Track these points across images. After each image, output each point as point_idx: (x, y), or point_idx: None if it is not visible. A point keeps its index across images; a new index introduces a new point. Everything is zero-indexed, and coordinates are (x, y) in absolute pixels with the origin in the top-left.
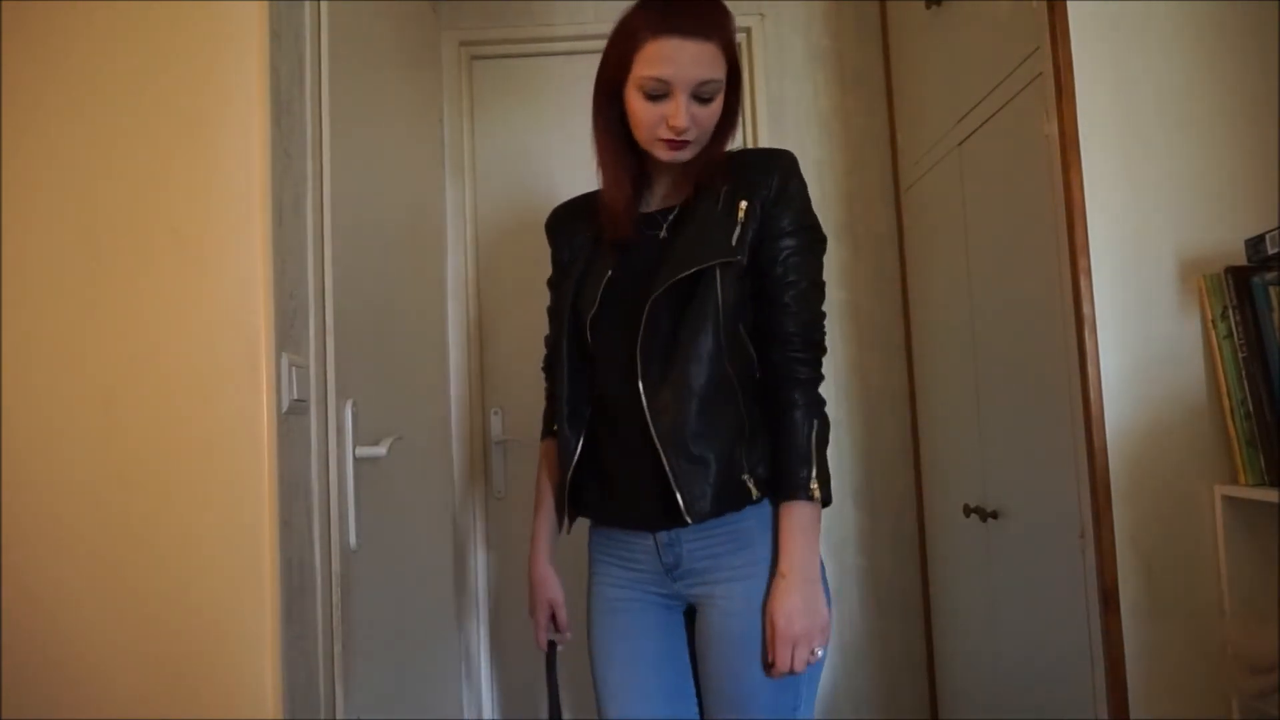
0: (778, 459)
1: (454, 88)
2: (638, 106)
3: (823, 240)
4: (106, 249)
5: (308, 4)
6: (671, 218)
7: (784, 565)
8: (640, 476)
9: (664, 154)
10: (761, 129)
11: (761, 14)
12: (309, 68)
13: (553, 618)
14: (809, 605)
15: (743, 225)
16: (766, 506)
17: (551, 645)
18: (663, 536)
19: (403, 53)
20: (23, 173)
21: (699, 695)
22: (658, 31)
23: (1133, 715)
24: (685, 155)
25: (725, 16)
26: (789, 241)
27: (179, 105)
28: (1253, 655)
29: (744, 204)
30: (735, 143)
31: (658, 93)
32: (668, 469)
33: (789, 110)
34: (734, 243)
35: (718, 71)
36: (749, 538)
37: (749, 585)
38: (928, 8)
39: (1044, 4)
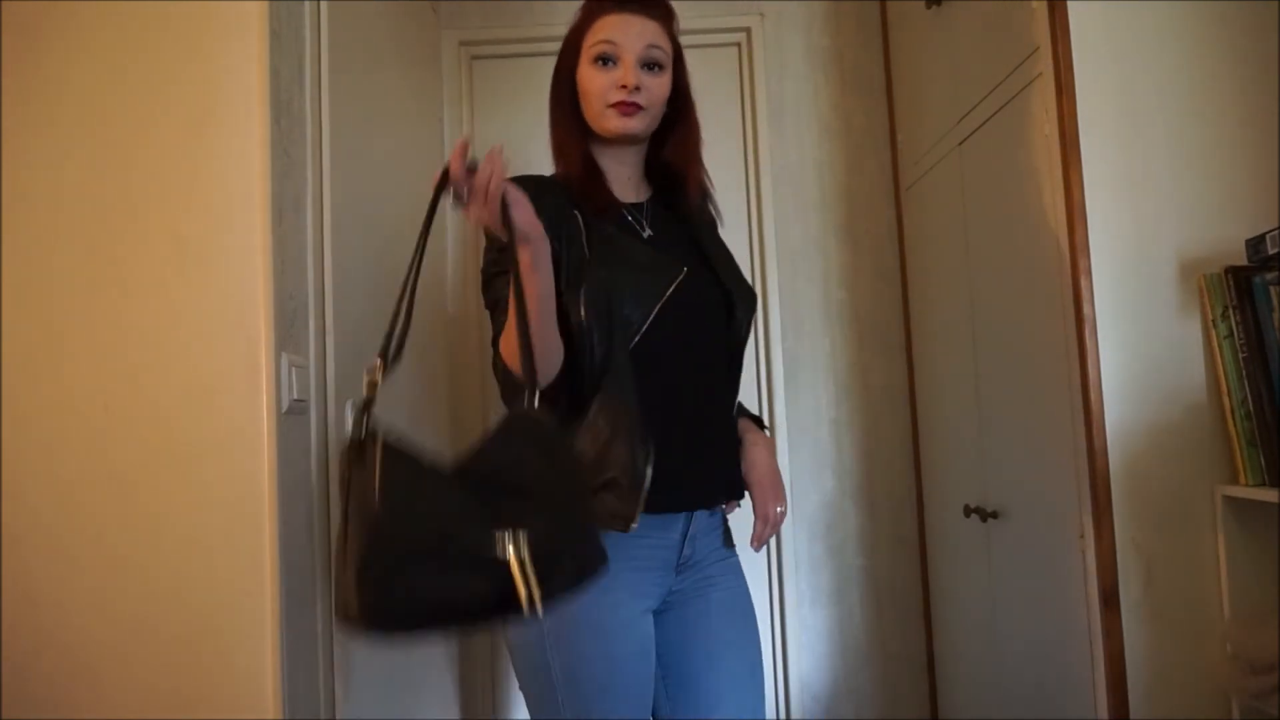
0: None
1: (454, 88)
2: (588, 76)
3: None
4: (107, 249)
5: (308, 4)
6: (646, 219)
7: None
8: (712, 456)
9: (615, 123)
10: (761, 129)
11: (761, 14)
12: (309, 68)
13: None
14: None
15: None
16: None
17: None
18: (698, 525)
19: (403, 53)
20: (23, 172)
21: (688, 681)
22: (606, 8)
23: (1133, 715)
24: (636, 125)
25: (669, 7)
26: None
27: (179, 105)
28: (1253, 655)
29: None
30: (735, 143)
31: (608, 56)
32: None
33: (789, 110)
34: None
35: (664, 43)
36: (728, 532)
37: (739, 575)
38: (928, 8)
39: (1044, 4)
